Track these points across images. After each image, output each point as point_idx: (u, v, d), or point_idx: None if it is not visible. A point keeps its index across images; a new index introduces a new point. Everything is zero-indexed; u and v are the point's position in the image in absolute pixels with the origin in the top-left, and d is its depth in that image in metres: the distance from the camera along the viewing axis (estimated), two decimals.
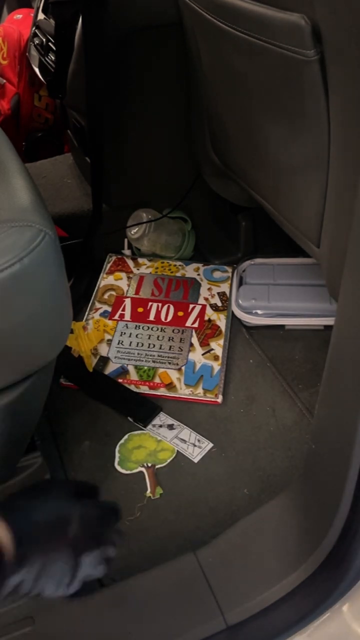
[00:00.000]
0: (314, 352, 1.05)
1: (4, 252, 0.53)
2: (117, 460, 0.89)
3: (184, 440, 0.91)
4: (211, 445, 0.91)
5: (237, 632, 0.65)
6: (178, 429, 0.93)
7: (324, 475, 0.66)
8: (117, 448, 0.91)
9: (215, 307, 1.13)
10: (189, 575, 0.69)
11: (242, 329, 1.10)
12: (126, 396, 0.97)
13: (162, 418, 0.95)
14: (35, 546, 0.48)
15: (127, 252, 1.28)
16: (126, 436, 0.92)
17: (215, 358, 1.03)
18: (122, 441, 0.92)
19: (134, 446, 0.91)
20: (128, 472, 0.88)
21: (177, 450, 0.90)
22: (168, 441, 0.91)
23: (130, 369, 1.02)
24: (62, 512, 0.51)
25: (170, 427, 0.93)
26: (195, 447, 0.90)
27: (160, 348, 1.05)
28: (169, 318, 1.11)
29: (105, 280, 1.20)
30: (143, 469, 0.88)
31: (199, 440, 0.91)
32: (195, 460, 0.89)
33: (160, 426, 0.94)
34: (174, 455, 0.89)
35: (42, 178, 1.38)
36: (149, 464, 0.88)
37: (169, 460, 0.89)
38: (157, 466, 0.88)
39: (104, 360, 1.03)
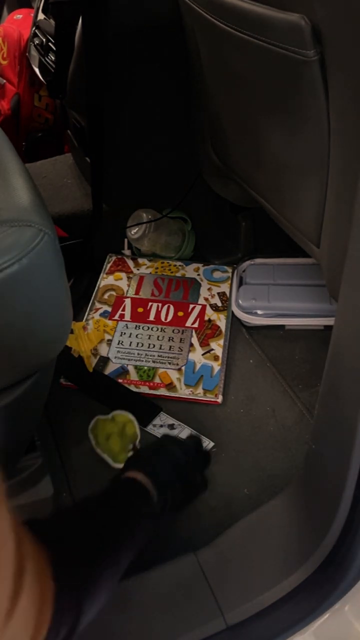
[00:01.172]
0: (314, 352, 1.05)
1: (3, 252, 0.53)
2: (108, 454, 0.89)
3: None
4: (212, 444, 0.91)
5: (237, 632, 0.65)
6: (179, 429, 0.93)
7: (324, 475, 0.66)
8: (92, 438, 0.91)
9: (215, 307, 1.13)
10: (189, 575, 0.69)
11: (242, 329, 1.10)
12: (126, 396, 0.97)
13: (162, 418, 0.95)
14: (166, 484, 0.68)
15: (127, 252, 1.28)
16: (93, 421, 0.93)
17: (215, 358, 1.03)
18: (91, 425, 0.93)
19: (105, 434, 0.91)
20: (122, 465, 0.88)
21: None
22: None
23: (130, 369, 1.02)
24: (177, 460, 0.73)
25: (171, 426, 0.93)
26: None
27: (160, 348, 1.05)
28: (169, 318, 1.11)
29: (105, 280, 1.21)
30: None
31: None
32: None
33: (161, 426, 0.94)
34: (134, 421, 0.91)
35: (42, 178, 1.38)
36: (130, 446, 0.90)
37: (138, 431, 0.91)
38: (136, 442, 0.90)
39: (104, 360, 1.03)
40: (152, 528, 0.65)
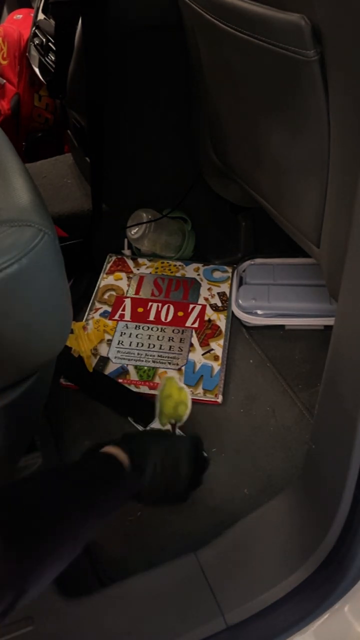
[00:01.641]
0: (314, 352, 1.05)
1: (3, 252, 0.53)
2: (157, 410, 0.89)
3: None
4: (205, 455, 0.89)
5: (237, 632, 0.65)
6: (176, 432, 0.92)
7: (324, 475, 0.66)
8: (159, 396, 0.90)
9: (215, 307, 1.13)
10: (189, 575, 0.69)
11: (242, 329, 1.10)
12: (126, 396, 0.97)
13: None
14: (151, 463, 0.66)
15: (127, 252, 1.28)
16: (163, 381, 0.91)
17: (215, 358, 1.03)
18: (161, 387, 0.91)
19: (167, 394, 0.90)
20: (160, 427, 0.88)
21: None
22: None
23: (130, 369, 1.02)
24: (171, 446, 0.72)
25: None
26: None
27: (160, 348, 1.05)
28: (169, 318, 1.11)
29: (105, 280, 1.21)
30: (170, 425, 0.88)
31: None
32: None
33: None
34: (188, 410, 0.88)
35: (42, 178, 1.38)
36: (172, 421, 0.88)
37: (184, 418, 0.89)
38: (178, 424, 0.88)
39: (104, 360, 1.03)
40: (120, 504, 0.62)
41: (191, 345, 1.05)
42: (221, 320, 1.10)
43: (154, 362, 1.02)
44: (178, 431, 0.88)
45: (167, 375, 0.89)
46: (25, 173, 0.67)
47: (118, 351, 1.05)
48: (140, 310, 1.13)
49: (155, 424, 0.88)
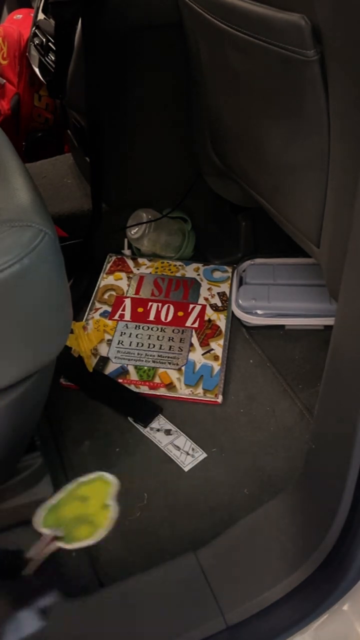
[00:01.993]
0: (314, 352, 1.05)
1: (3, 252, 0.53)
2: (54, 501, 0.69)
3: (178, 447, 0.91)
4: (205, 455, 0.89)
5: (237, 632, 0.65)
6: (174, 435, 0.92)
7: (323, 475, 0.66)
8: (72, 487, 0.70)
9: (215, 307, 1.13)
10: (189, 575, 0.69)
11: (242, 329, 1.10)
12: (126, 396, 0.97)
13: (160, 422, 0.94)
14: None
15: (127, 252, 1.28)
16: (94, 475, 0.73)
17: (215, 358, 1.03)
18: (84, 479, 0.73)
19: (83, 496, 0.71)
20: (41, 527, 0.65)
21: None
22: (162, 447, 0.90)
23: (130, 369, 1.02)
24: None
25: (168, 432, 0.93)
26: (188, 455, 0.90)
27: (160, 348, 1.05)
28: (169, 318, 1.11)
29: (105, 280, 1.21)
30: (48, 535, 0.65)
31: (193, 449, 0.90)
32: (186, 470, 0.88)
33: (158, 430, 0.93)
34: (89, 541, 0.67)
35: (42, 178, 1.38)
36: (60, 534, 0.66)
37: (74, 545, 0.67)
38: (59, 542, 0.66)
39: (104, 360, 1.03)
40: None
41: (191, 345, 1.05)
42: (221, 320, 1.10)
43: (154, 362, 1.02)
44: (66, 543, 0.63)
45: (105, 476, 0.69)
46: (26, 173, 0.67)
47: (118, 351, 1.05)
48: (140, 310, 1.13)
49: (38, 517, 0.64)
